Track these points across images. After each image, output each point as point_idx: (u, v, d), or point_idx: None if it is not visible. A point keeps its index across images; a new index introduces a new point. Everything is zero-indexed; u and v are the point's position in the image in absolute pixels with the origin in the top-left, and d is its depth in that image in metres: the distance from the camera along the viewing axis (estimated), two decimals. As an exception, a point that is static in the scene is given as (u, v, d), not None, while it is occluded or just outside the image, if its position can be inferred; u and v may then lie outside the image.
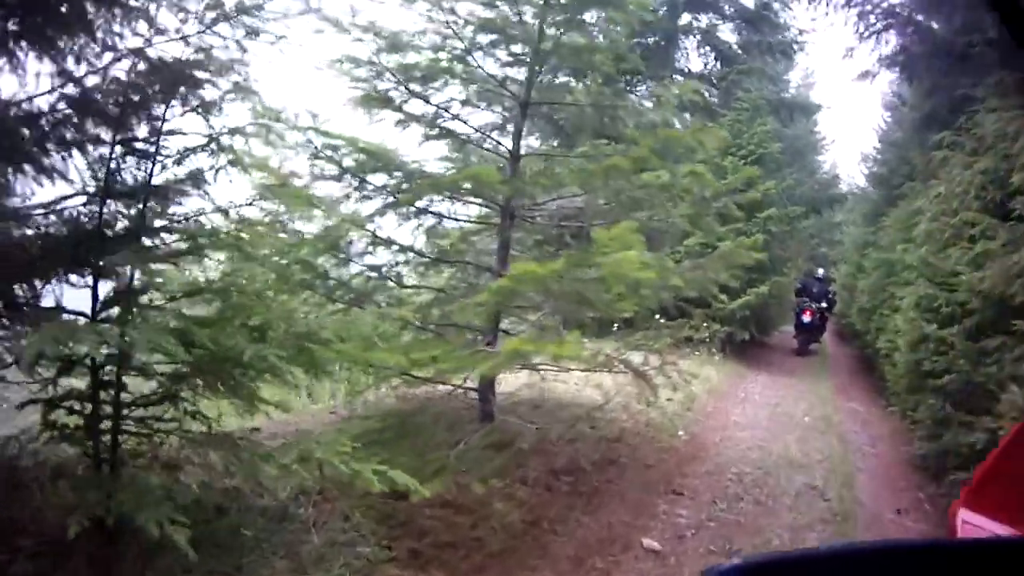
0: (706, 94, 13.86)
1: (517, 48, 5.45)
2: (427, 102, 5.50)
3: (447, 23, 5.20)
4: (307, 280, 4.94)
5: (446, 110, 5.60)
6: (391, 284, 5.58)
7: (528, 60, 5.42)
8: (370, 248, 5.55)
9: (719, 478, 6.10)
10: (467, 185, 5.01)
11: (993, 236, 6.25)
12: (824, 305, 14.30)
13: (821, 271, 15.34)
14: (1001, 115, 6.61)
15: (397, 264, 5.68)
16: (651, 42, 14.08)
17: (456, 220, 5.87)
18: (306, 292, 5.02)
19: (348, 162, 5.13)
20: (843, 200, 18.79)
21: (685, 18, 15.20)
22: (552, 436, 5.58)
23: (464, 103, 5.62)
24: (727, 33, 16.02)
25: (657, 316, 10.88)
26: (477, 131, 5.75)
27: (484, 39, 5.42)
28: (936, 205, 7.61)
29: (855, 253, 16.21)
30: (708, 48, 15.73)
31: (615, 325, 7.39)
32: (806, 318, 13.87)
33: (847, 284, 16.27)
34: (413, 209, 5.49)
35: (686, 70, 15.47)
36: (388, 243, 5.52)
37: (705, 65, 15.71)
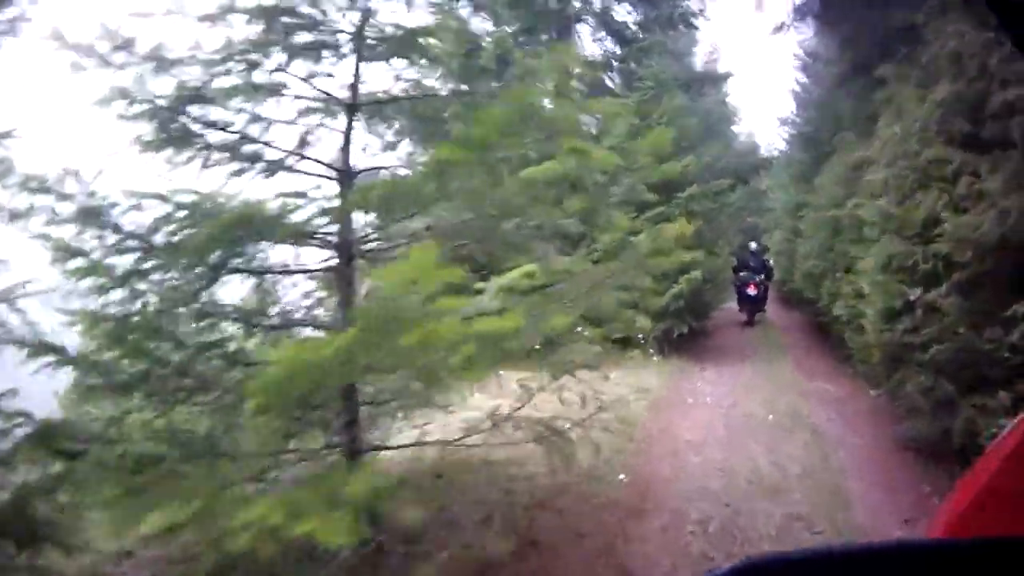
0: (608, 79, 13.44)
1: (330, 39, 3.99)
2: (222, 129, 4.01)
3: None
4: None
5: (244, 136, 4.05)
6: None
7: (347, 53, 4.06)
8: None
9: (677, 534, 4.73)
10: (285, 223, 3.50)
11: (976, 172, 5.04)
12: (763, 276, 14.56)
13: (754, 244, 15.34)
14: (954, 36, 5.46)
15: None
16: (544, 38, 12.81)
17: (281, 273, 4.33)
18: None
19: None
20: (768, 165, 17.87)
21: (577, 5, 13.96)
22: (456, 518, 4.11)
23: (268, 122, 4.12)
24: (623, 13, 14.81)
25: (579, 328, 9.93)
26: (290, 153, 4.18)
27: (284, 38, 3.95)
28: (890, 149, 6.40)
29: (788, 218, 15.93)
30: (604, 32, 14.50)
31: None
32: (751, 291, 14.28)
33: (784, 250, 15.96)
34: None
35: (586, 58, 14.17)
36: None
37: (604, 50, 14.41)
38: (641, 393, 8.39)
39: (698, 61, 24.51)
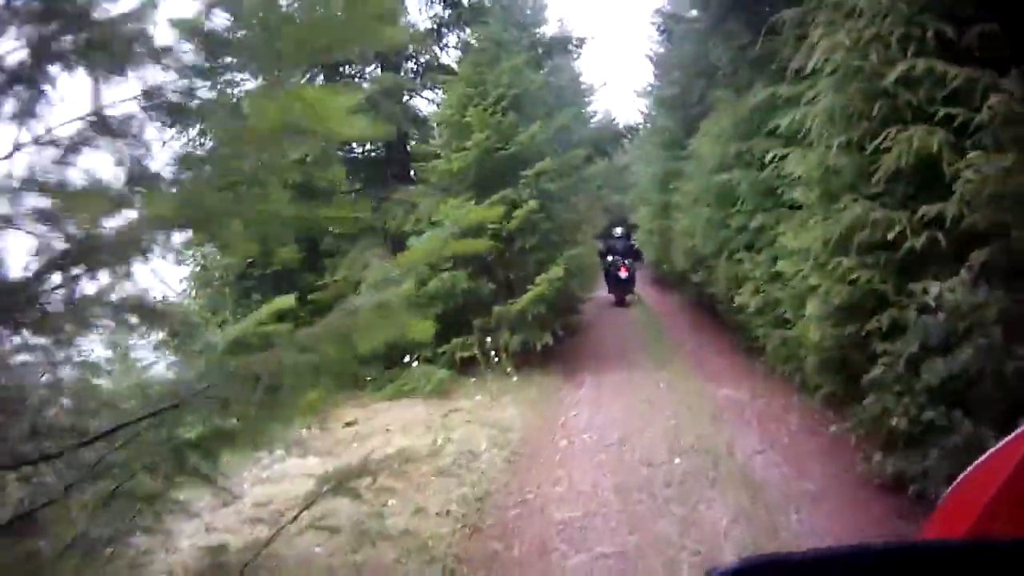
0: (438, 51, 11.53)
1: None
2: None
3: None
4: None
5: None
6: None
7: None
8: None
9: None
10: None
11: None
12: (631, 260, 14.59)
13: (619, 229, 15.17)
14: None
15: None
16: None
17: None
18: None
19: None
20: (629, 136, 16.12)
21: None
22: None
23: None
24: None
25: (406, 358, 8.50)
26: None
27: None
28: (827, 85, 4.41)
29: (656, 192, 14.73)
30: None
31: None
32: (622, 274, 14.24)
33: (654, 228, 14.86)
34: None
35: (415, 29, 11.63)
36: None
37: (436, 22, 11.81)
38: (496, 435, 6.18)
39: (548, 31, 22.69)
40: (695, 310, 12.30)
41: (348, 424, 7.44)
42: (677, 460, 5.35)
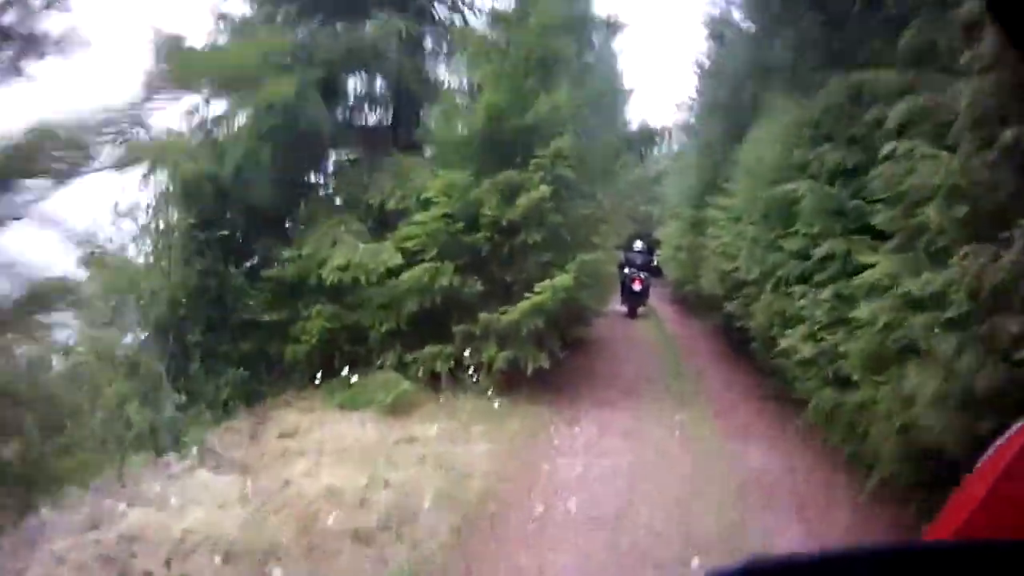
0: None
1: None
2: None
3: None
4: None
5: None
6: None
7: None
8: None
9: None
10: None
11: None
12: (647, 274, 14.68)
13: (639, 243, 15.05)
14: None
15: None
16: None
17: None
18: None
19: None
20: (667, 135, 14.66)
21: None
22: None
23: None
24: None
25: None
26: None
27: None
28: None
29: (689, 207, 13.60)
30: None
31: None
32: (636, 286, 14.29)
33: (683, 244, 13.67)
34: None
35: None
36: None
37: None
38: (451, 484, 4.71)
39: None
40: (720, 340, 10.87)
41: (283, 435, 6.04)
42: (695, 563, 3.81)
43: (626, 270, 14.28)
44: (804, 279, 6.07)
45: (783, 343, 6.13)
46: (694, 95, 17.71)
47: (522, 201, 6.91)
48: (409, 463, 5.11)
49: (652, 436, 6.24)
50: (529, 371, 7.00)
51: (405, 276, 6.78)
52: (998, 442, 1.08)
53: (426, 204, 7.27)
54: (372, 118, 9.37)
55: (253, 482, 5.09)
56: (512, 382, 7.05)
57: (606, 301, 11.60)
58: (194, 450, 5.82)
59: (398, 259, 7.09)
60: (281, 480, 5.06)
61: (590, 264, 7.73)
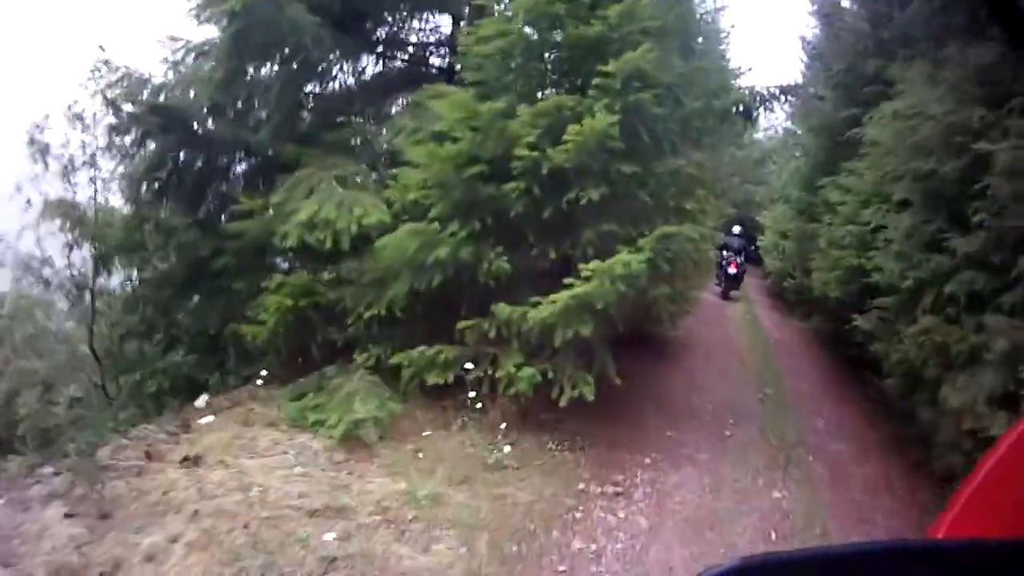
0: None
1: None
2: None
3: None
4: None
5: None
6: None
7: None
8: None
9: None
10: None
11: None
12: (743, 258, 14.88)
13: (738, 228, 15.30)
14: None
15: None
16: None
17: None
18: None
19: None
20: (784, 96, 12.35)
21: None
22: None
23: None
24: None
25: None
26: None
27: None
28: None
29: (799, 189, 12.83)
30: None
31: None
32: (732, 270, 14.46)
33: (790, 232, 12.80)
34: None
35: None
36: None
37: None
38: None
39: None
40: (828, 352, 9.21)
41: (185, 462, 4.06)
42: None
43: (724, 253, 14.26)
44: (985, 300, 4.36)
45: (943, 392, 4.29)
46: (803, 72, 16.79)
47: (574, 136, 4.53)
48: (307, 568, 2.98)
49: (745, 519, 4.02)
50: (564, 400, 4.62)
51: (384, 241, 4.66)
52: (998, 442, 1.07)
53: (440, 140, 5.09)
54: (384, 31, 7.01)
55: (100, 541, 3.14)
56: (536, 411, 4.78)
57: (695, 288, 8.97)
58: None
59: (380, 216, 4.98)
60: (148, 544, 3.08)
61: (677, 240, 5.08)
